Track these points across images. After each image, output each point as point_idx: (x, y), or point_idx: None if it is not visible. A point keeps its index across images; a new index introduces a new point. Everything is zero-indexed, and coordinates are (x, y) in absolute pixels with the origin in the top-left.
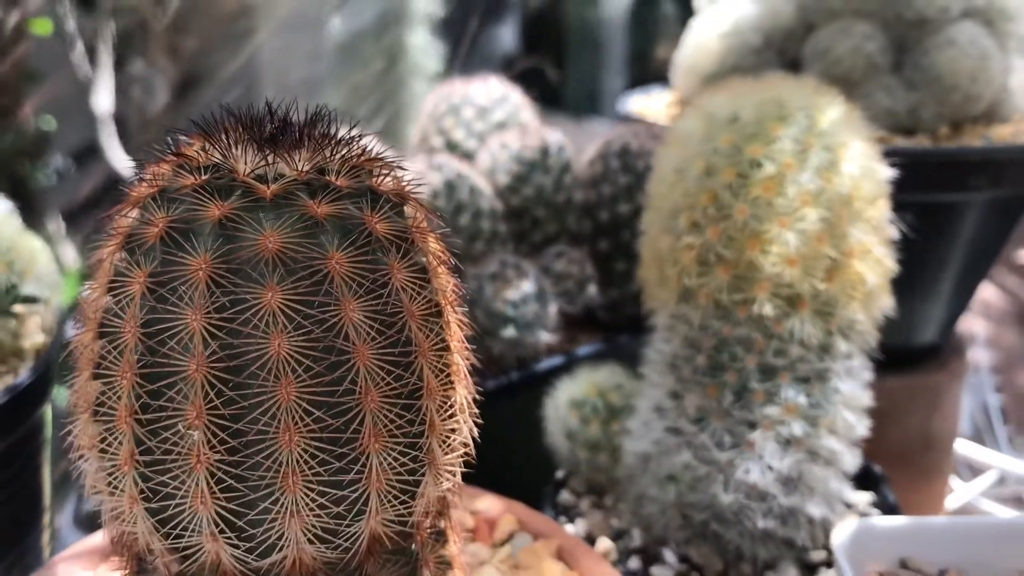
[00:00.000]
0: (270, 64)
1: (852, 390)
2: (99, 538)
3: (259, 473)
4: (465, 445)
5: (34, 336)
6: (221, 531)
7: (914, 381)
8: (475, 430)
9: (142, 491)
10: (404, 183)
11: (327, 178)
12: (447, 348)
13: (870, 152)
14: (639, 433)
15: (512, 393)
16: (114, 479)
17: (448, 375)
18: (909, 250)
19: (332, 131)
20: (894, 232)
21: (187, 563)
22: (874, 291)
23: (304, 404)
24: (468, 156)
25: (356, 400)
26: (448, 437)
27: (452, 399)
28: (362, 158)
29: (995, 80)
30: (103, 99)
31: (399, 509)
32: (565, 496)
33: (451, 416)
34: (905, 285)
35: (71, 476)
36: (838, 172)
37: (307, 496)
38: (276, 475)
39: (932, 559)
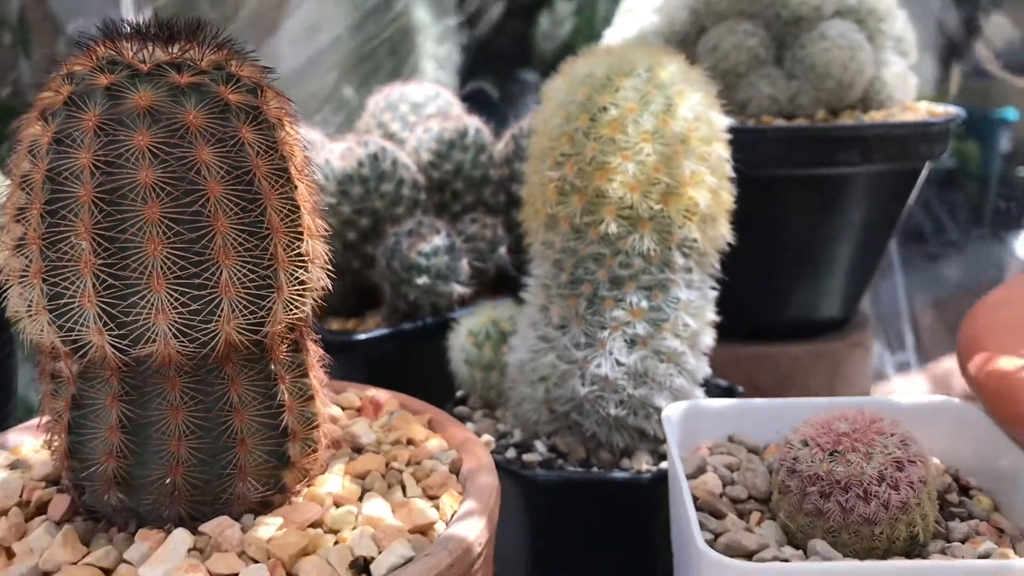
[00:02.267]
0: None
1: (692, 299)
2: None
3: (133, 277)
4: (318, 289)
5: None
6: (104, 324)
7: (817, 348)
8: (326, 281)
9: (47, 297)
10: (261, 71)
11: (195, 62)
12: (293, 200)
13: (707, 101)
14: (517, 346)
15: (426, 335)
16: (28, 298)
17: (295, 222)
18: (809, 226)
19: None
20: (730, 171)
21: (82, 359)
22: (710, 215)
23: (167, 222)
24: (401, 143)
25: (208, 223)
26: (295, 272)
27: (300, 245)
28: (226, 53)
29: (867, 70)
30: None
31: (250, 319)
32: (461, 409)
33: (298, 256)
34: (807, 260)
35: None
36: (674, 116)
37: (171, 297)
38: (145, 278)
39: (755, 435)
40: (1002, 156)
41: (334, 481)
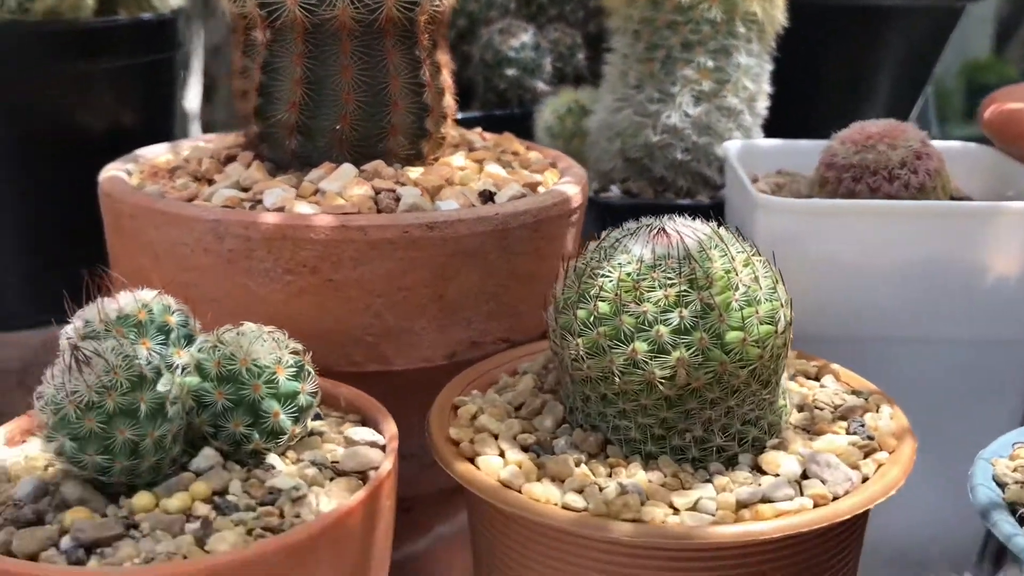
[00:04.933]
0: None
1: (751, 65)
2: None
3: None
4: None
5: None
6: None
7: None
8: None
9: None
10: None
11: None
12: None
13: None
14: (598, 110)
15: (512, 122)
16: None
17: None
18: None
19: None
20: None
21: (275, 24)
22: None
23: None
24: None
25: None
26: None
27: None
28: None
29: None
30: None
31: (407, 2)
32: None
33: None
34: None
35: None
36: None
37: None
38: None
39: (801, 168)
40: None
41: (458, 159)
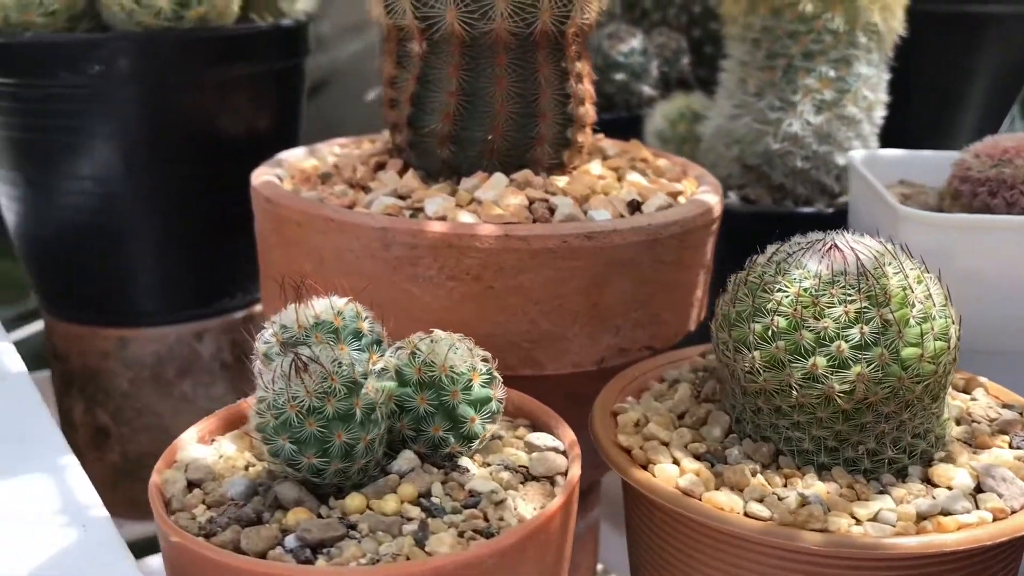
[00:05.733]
0: None
1: (871, 75)
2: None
3: None
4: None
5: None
6: (456, 4)
7: None
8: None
9: None
10: None
11: None
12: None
13: None
14: (714, 116)
15: (619, 127)
16: None
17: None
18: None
19: None
20: None
21: (432, 37)
22: (889, 5)
23: None
24: None
25: None
26: None
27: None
28: None
29: None
30: None
31: (558, 15)
32: None
33: None
34: (940, 97)
35: None
36: None
37: None
38: None
39: (923, 180)
40: None
41: (596, 167)
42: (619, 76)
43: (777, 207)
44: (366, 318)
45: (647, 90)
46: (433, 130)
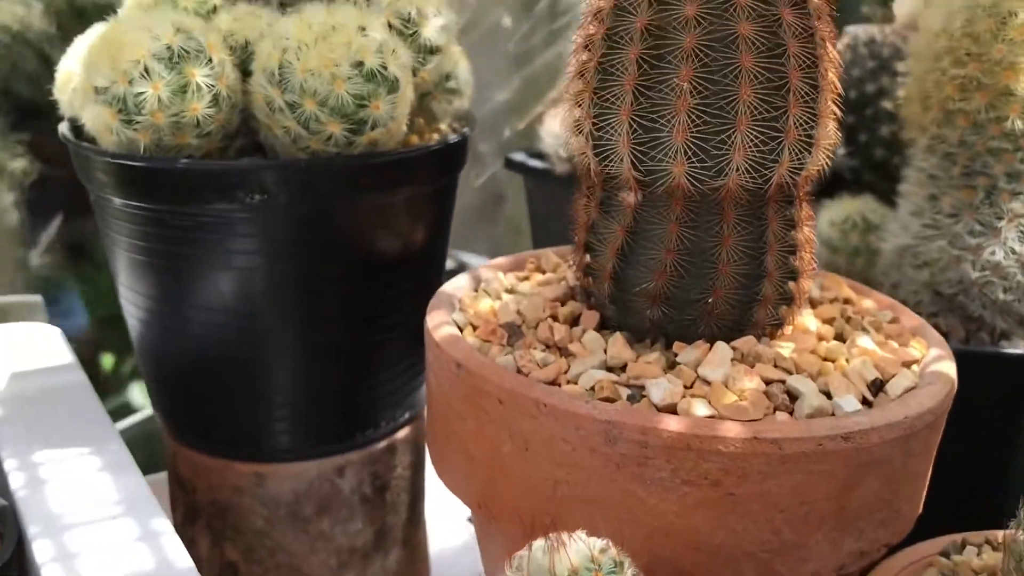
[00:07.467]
0: None
1: None
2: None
3: (720, 116)
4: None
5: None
6: (687, 157)
7: None
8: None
9: (633, 132)
10: None
11: None
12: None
13: None
14: (898, 233)
15: None
16: (606, 136)
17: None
18: None
19: None
20: None
21: (650, 188)
22: None
23: (758, 69)
24: None
25: (783, 84)
26: (825, 128)
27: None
28: None
29: None
30: None
31: (795, 165)
32: None
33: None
34: None
35: None
36: None
37: (750, 136)
38: (732, 117)
39: None
40: None
41: (810, 320)
42: None
43: (969, 343)
44: (628, 569)
45: None
46: (645, 289)
